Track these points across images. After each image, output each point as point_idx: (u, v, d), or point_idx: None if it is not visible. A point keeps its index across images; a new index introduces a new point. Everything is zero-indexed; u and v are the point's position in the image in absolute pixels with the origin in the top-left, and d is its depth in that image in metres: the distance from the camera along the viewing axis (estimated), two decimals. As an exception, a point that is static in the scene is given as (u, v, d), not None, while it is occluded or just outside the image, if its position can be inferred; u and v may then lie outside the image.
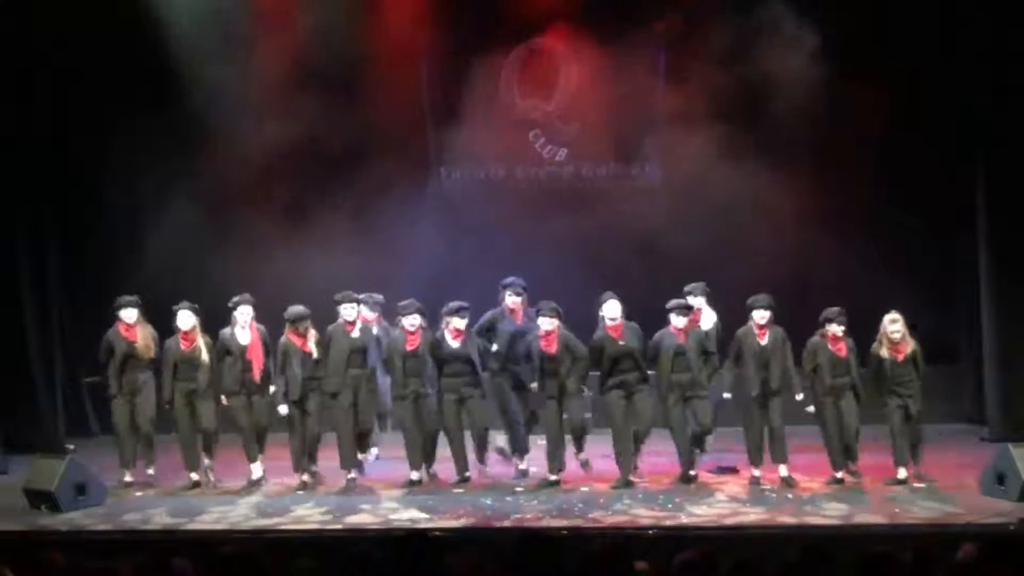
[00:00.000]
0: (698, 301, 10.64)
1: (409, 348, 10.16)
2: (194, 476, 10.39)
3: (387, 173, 12.75)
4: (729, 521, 9.04)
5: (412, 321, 10.19)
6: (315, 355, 10.24)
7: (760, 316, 10.09)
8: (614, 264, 12.58)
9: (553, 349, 10.07)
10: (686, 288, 10.68)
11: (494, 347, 10.50)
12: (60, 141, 12.72)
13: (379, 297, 11.04)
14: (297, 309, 10.28)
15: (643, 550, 6.30)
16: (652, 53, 12.95)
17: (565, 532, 8.62)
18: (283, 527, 9.17)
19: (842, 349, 9.95)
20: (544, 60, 13.26)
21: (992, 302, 11.89)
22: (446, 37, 12.79)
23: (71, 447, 12.00)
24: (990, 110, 11.75)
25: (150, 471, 10.62)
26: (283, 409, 10.20)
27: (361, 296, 10.61)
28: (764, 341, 10.05)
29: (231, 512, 9.65)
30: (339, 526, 9.18)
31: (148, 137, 12.37)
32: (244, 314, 10.39)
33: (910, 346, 9.97)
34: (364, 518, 9.37)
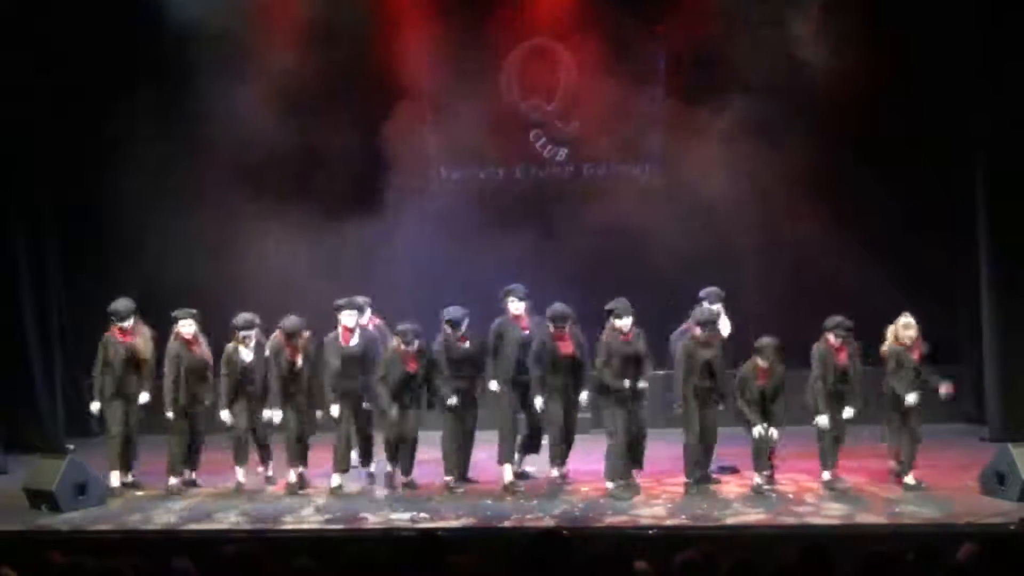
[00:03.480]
0: (715, 308, 10.44)
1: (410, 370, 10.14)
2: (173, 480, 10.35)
3: (387, 173, 12.75)
4: (729, 521, 9.05)
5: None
6: (299, 365, 10.19)
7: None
8: (614, 264, 12.58)
9: (571, 349, 10.04)
10: (700, 294, 10.55)
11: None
12: (60, 141, 12.71)
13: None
14: (293, 320, 10.23)
15: (643, 550, 6.30)
16: (652, 53, 12.96)
17: (565, 532, 8.61)
18: (283, 527, 9.17)
19: (843, 357, 9.90)
20: (544, 60, 13.27)
21: (992, 302, 11.88)
22: (447, 37, 12.79)
23: (71, 447, 12.00)
24: (990, 109, 11.74)
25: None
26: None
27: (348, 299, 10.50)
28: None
29: (231, 512, 9.65)
30: (339, 526, 9.19)
31: (149, 137, 12.38)
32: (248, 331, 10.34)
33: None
34: (364, 518, 9.37)
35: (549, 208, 13.05)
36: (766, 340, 9.91)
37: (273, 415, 10.19)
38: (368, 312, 10.88)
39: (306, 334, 10.27)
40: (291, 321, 10.21)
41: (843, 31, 11.82)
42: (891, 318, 11.85)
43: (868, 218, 12.39)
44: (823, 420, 9.81)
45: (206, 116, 12.13)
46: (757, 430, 9.78)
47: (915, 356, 9.87)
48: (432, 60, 13.00)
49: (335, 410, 10.18)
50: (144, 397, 10.39)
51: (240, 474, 10.37)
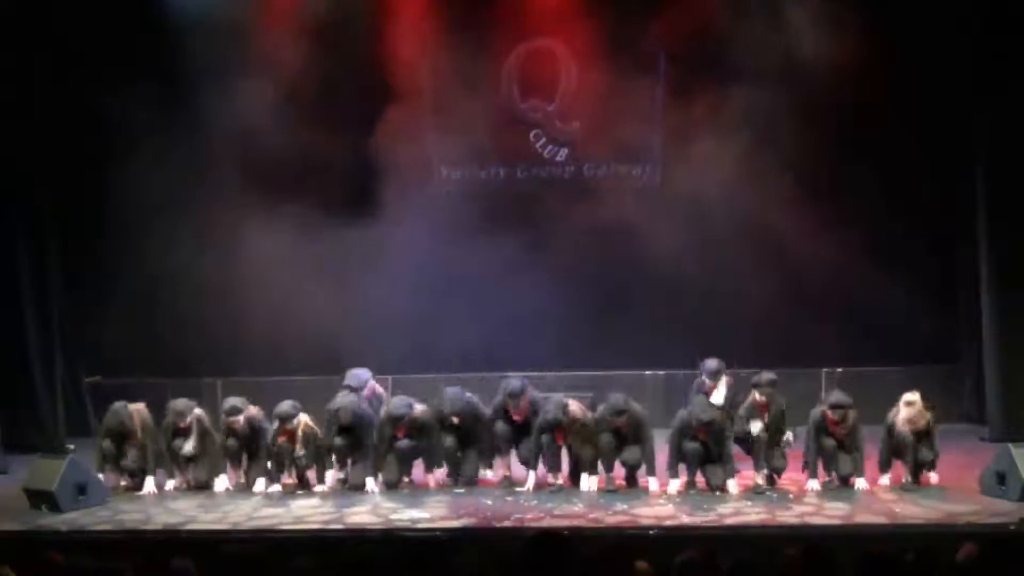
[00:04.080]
0: (710, 381, 10.45)
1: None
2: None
3: (386, 173, 12.74)
4: (729, 521, 9.05)
5: None
6: (301, 452, 10.11)
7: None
8: (614, 264, 12.58)
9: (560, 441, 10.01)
10: (699, 365, 10.56)
11: None
12: (61, 141, 12.71)
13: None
14: (285, 407, 10.11)
15: (643, 550, 6.30)
16: (652, 53, 12.95)
17: (566, 532, 8.61)
18: (283, 527, 9.18)
19: (832, 431, 9.80)
20: (544, 60, 13.25)
21: (992, 302, 11.87)
22: (447, 37, 12.78)
23: (71, 447, 12.00)
24: (990, 109, 11.74)
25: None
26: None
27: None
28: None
29: (231, 512, 9.66)
30: (339, 526, 9.19)
31: (150, 138, 12.37)
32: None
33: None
34: (364, 518, 9.38)
35: (549, 208, 13.03)
36: (765, 376, 9.93)
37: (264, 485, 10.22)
38: (369, 382, 10.91)
39: (302, 418, 10.13)
40: (283, 406, 10.12)
41: (843, 30, 11.81)
42: (890, 318, 11.93)
43: (868, 218, 12.38)
44: (814, 484, 9.81)
45: (207, 115, 12.14)
46: (757, 426, 9.78)
47: (907, 430, 9.81)
48: (432, 60, 12.99)
49: (329, 476, 10.24)
50: (149, 484, 10.31)
51: (240, 474, 10.40)
